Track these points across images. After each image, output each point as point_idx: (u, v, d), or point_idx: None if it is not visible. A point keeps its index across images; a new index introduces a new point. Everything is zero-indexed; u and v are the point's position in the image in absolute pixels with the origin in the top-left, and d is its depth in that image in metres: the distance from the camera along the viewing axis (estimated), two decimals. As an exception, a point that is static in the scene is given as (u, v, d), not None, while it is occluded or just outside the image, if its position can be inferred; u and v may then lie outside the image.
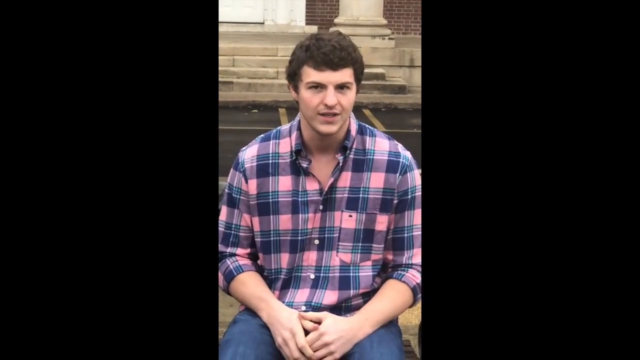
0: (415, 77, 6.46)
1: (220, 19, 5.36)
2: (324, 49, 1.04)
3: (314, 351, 1.05)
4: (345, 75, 1.05)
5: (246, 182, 1.15)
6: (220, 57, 5.67)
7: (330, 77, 1.04)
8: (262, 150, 1.16)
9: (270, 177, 1.14)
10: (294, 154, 1.12)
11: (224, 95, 5.75)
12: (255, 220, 1.16)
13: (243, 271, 1.15)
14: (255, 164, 1.15)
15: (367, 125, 1.19)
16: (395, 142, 1.18)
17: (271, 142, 1.16)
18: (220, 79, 5.97)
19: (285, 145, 1.14)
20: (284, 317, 1.08)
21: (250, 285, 1.15)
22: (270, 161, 1.15)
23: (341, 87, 1.05)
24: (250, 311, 1.16)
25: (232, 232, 1.17)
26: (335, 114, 1.05)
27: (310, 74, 1.04)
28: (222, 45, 6.35)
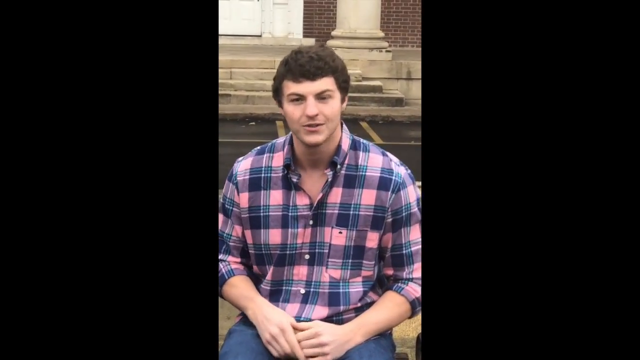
0: (413, 90, 6.53)
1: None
2: (301, 61, 1.05)
3: (307, 349, 1.07)
4: (325, 84, 1.05)
5: (238, 194, 1.16)
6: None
7: (309, 87, 1.04)
8: (255, 164, 1.17)
9: (262, 191, 1.15)
10: (285, 169, 1.13)
11: (221, 108, 5.78)
12: (248, 233, 1.17)
13: (234, 275, 1.18)
14: (247, 177, 1.16)
15: (362, 140, 1.19)
16: (390, 158, 1.18)
17: (265, 155, 1.17)
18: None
19: (279, 159, 1.15)
20: (271, 313, 1.09)
21: (239, 287, 1.17)
22: (263, 175, 1.16)
23: (322, 97, 1.05)
24: (245, 322, 1.17)
25: (225, 240, 1.20)
26: (318, 124, 1.05)
27: (290, 87, 1.05)
28: (220, 57, 6.52)
